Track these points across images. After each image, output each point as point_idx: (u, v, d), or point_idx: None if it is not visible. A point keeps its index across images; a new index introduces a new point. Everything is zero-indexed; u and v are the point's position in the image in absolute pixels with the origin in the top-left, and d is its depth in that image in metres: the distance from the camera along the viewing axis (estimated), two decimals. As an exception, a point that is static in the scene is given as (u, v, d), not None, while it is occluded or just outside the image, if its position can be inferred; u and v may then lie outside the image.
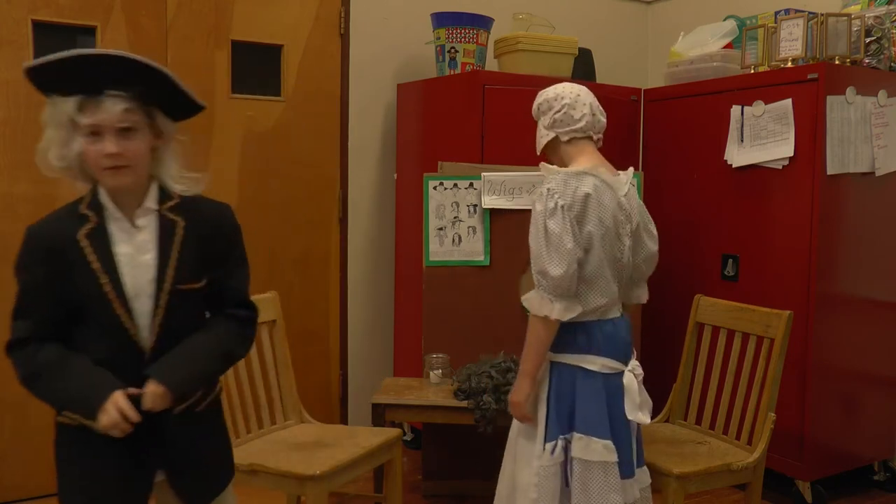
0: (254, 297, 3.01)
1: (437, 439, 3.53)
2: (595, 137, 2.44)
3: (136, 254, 1.80)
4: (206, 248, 1.87)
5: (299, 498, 2.99)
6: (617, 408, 2.32)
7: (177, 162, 1.87)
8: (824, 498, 3.38)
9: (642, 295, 2.59)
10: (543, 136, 2.43)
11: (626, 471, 2.33)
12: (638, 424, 2.41)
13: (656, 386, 3.71)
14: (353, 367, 4.20)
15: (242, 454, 2.68)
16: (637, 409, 2.33)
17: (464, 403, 3.03)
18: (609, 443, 2.28)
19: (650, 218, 2.55)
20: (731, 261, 3.61)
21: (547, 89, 2.45)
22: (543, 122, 2.43)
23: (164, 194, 1.85)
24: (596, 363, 2.31)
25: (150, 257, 1.80)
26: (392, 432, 2.91)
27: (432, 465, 3.56)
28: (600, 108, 2.46)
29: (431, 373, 3.29)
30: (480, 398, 2.98)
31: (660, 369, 3.75)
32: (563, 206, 2.24)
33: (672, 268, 3.89)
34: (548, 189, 2.27)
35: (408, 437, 4.11)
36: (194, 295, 1.86)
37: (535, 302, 2.28)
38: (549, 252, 2.23)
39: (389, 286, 4.24)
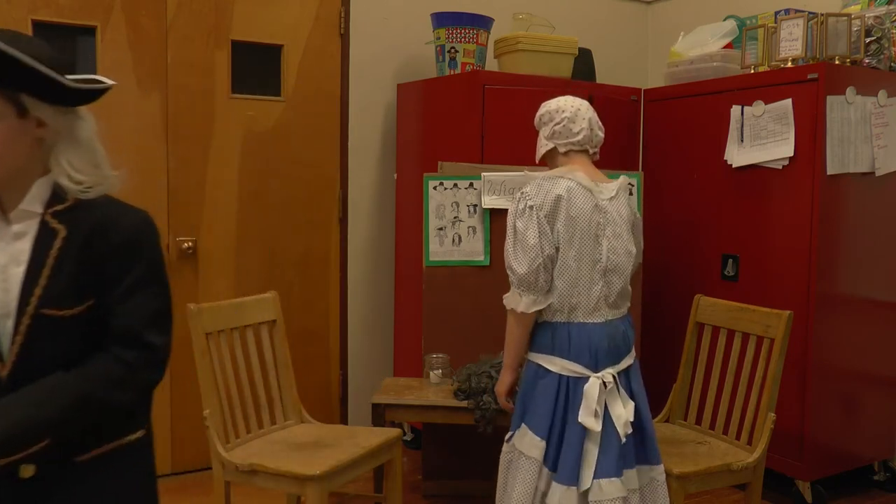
0: (254, 297, 3.06)
1: (437, 439, 3.53)
2: (591, 151, 2.55)
3: (9, 265, 1.48)
4: (91, 265, 1.48)
5: (299, 498, 2.99)
6: (571, 412, 2.35)
7: (77, 155, 1.56)
8: (824, 498, 3.38)
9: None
10: (542, 146, 2.55)
11: (564, 476, 2.32)
12: (622, 440, 2.36)
13: (656, 386, 3.71)
14: (353, 367, 4.20)
15: (242, 454, 2.69)
16: (591, 416, 2.32)
17: (464, 403, 3.03)
18: (539, 440, 2.36)
19: (641, 230, 2.65)
20: (731, 261, 3.61)
21: (549, 101, 2.55)
22: (544, 132, 2.54)
23: (57, 196, 1.52)
24: (556, 364, 2.39)
25: (20, 271, 1.48)
26: (392, 432, 2.91)
27: (432, 465, 3.56)
28: (599, 123, 2.55)
29: (431, 373, 3.29)
30: (480, 398, 2.98)
31: (660, 369, 3.75)
32: (531, 207, 2.37)
33: (672, 268, 3.89)
34: (522, 192, 2.42)
35: (408, 437, 4.11)
36: (67, 322, 1.47)
37: (508, 297, 2.43)
38: (515, 249, 2.38)
39: (389, 286, 4.24)
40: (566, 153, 2.50)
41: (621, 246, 2.44)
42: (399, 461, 2.92)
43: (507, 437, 2.50)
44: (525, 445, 2.39)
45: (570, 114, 2.48)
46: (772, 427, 2.76)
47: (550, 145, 2.51)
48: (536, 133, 2.59)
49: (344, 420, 4.19)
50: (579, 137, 2.48)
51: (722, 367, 2.99)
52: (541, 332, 2.43)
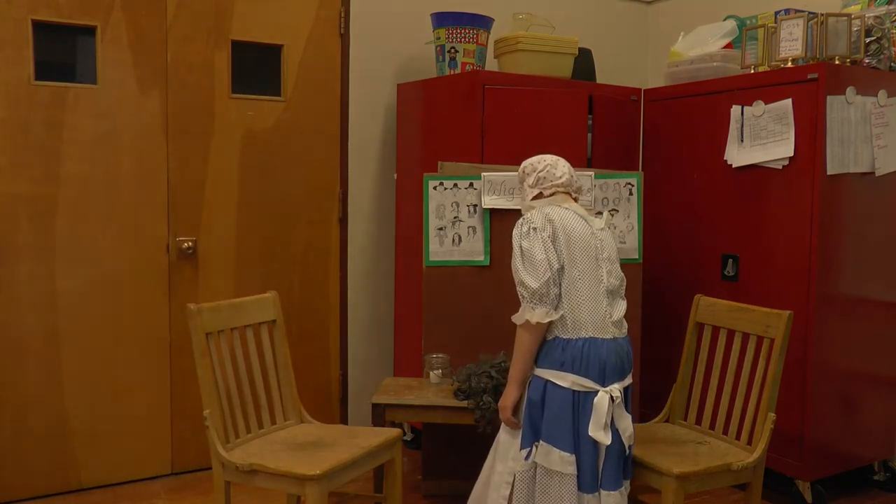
0: (254, 297, 3.06)
1: (437, 439, 3.53)
2: (574, 196, 2.70)
3: None
4: None
5: (299, 498, 2.99)
6: (584, 425, 2.47)
7: None
8: (824, 498, 3.38)
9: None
10: (529, 193, 2.72)
11: (586, 486, 2.46)
12: (622, 447, 2.51)
13: (656, 386, 3.71)
14: (353, 367, 4.20)
15: (242, 454, 2.69)
16: (600, 429, 2.44)
17: (464, 403, 3.03)
18: (568, 455, 2.45)
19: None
20: (731, 261, 3.61)
21: (528, 159, 2.76)
22: (528, 181, 2.72)
23: None
24: (566, 380, 2.48)
25: None
26: (392, 432, 2.91)
27: (432, 465, 3.56)
28: (576, 174, 2.75)
29: (431, 373, 3.29)
30: (480, 398, 2.99)
31: (660, 369, 3.75)
32: (534, 229, 2.52)
33: (672, 268, 3.89)
34: (523, 219, 2.59)
35: (408, 437, 4.11)
36: None
37: (519, 312, 2.52)
38: (525, 266, 2.51)
39: (389, 286, 4.24)
40: (553, 195, 2.66)
41: (616, 271, 2.60)
42: (399, 461, 2.92)
43: (522, 455, 2.52)
44: (555, 463, 2.45)
45: (551, 162, 2.69)
46: (772, 427, 2.76)
47: (536, 191, 2.68)
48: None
49: (344, 420, 4.19)
50: (563, 180, 2.67)
51: (722, 367, 2.99)
52: (550, 348, 2.52)
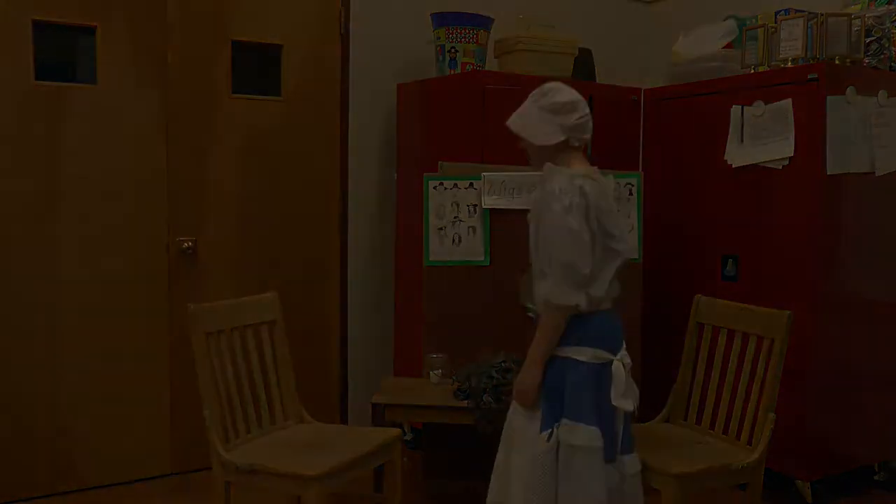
0: (254, 297, 3.06)
1: (437, 439, 3.53)
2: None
3: None
4: None
5: (299, 498, 2.99)
6: (605, 395, 2.45)
7: None
8: (824, 498, 3.38)
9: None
10: (553, 135, 2.46)
11: (608, 455, 2.45)
12: (627, 413, 2.51)
13: (656, 386, 3.71)
14: (353, 367, 4.20)
15: (242, 454, 2.69)
16: (622, 397, 2.44)
17: (464, 403, 3.03)
18: (595, 429, 2.41)
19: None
20: (731, 261, 3.61)
21: (561, 88, 2.50)
22: (560, 120, 2.45)
23: None
24: (587, 354, 2.45)
25: None
26: (392, 432, 2.91)
27: (432, 465, 3.56)
28: None
29: (431, 373, 3.29)
30: (480, 398, 2.98)
31: (660, 369, 3.74)
32: (576, 204, 2.37)
33: (672, 268, 3.89)
34: (559, 189, 2.39)
35: (408, 437, 4.11)
36: None
37: (560, 293, 2.39)
38: (576, 248, 2.36)
39: (389, 286, 4.24)
40: (576, 147, 2.50)
41: (629, 242, 2.58)
42: (399, 461, 2.92)
43: (544, 437, 2.44)
44: (580, 439, 2.41)
45: (587, 112, 2.48)
46: (772, 427, 2.76)
47: (564, 137, 2.46)
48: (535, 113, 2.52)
49: (344, 420, 4.19)
50: (588, 134, 2.52)
51: (722, 367, 2.99)
52: (570, 326, 2.45)
